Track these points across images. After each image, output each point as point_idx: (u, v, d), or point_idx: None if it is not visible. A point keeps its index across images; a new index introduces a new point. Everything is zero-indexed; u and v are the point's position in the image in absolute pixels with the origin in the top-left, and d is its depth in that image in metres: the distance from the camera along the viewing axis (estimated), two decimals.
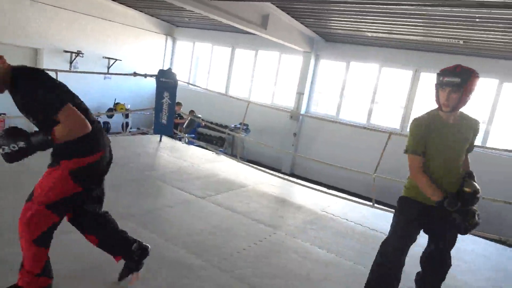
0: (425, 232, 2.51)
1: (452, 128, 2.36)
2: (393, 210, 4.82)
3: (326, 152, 9.90)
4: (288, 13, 8.45)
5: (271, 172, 6.22)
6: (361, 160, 8.39)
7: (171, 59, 13.83)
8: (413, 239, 2.45)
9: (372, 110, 10.05)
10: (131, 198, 4.00)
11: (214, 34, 12.61)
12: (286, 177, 6.44)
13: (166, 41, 13.50)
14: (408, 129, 2.58)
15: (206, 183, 4.97)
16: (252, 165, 6.43)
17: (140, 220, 3.48)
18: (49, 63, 10.07)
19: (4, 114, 9.72)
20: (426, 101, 9.61)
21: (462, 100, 2.26)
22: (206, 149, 7.34)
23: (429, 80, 9.35)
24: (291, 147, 10.82)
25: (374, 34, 8.67)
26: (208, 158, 6.51)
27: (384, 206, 5.08)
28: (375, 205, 4.95)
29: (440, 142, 2.34)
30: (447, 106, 2.29)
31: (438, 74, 2.32)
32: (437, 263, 2.50)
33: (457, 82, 2.23)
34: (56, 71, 5.54)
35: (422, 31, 7.64)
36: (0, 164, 2.42)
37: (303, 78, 10.84)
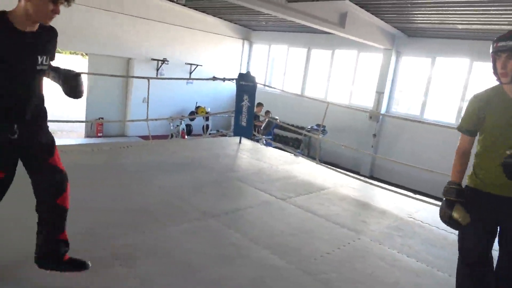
0: (498, 235, 2.13)
1: None
2: None
3: (409, 154, 9.36)
4: (367, 10, 8.17)
5: (351, 174, 6.05)
6: (450, 163, 7.76)
7: (248, 62, 14.18)
8: (489, 245, 2.11)
9: (462, 108, 9.27)
10: (214, 198, 4.17)
11: (289, 35, 12.66)
12: (367, 179, 6.21)
13: (243, 45, 13.89)
14: None
15: (285, 185, 4.99)
16: (331, 167, 6.31)
17: (224, 220, 3.61)
18: (139, 71, 10.98)
19: (102, 118, 10.81)
20: None
21: None
22: (284, 150, 7.38)
23: None
24: (370, 148, 10.42)
25: (465, 26, 7.98)
26: (286, 159, 6.54)
27: None
28: None
29: (499, 119, 2.04)
30: (505, 76, 1.98)
31: (492, 41, 2.03)
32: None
33: None
34: (148, 78, 6.01)
35: None
36: None
37: (383, 76, 10.39)
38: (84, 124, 11.17)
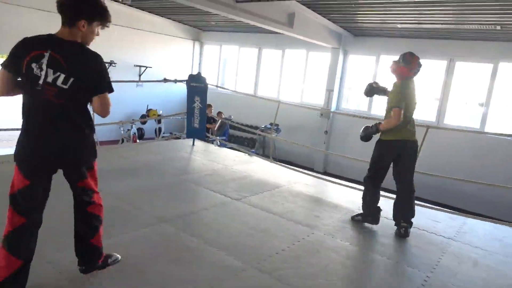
0: None
1: None
2: (432, 207, 4.67)
3: (360, 148, 9.67)
4: (314, 10, 8.38)
5: (305, 171, 6.18)
6: None
7: (199, 63, 14.03)
8: None
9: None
10: (168, 202, 4.08)
11: (240, 36, 12.68)
12: (320, 175, 6.37)
13: (193, 45, 13.72)
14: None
15: (241, 185, 4.99)
16: (285, 165, 6.41)
17: (178, 224, 3.55)
18: None
19: None
20: (463, 91, 9.24)
21: None
22: (239, 150, 7.39)
23: (465, 69, 8.98)
24: (322, 145, 10.70)
25: (404, 25, 8.43)
26: (241, 159, 6.54)
27: (422, 202, 4.93)
28: (417, 202, 4.80)
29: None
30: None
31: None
32: None
33: None
34: None
35: (454, 19, 7.35)
36: None
37: (332, 74, 10.71)
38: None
